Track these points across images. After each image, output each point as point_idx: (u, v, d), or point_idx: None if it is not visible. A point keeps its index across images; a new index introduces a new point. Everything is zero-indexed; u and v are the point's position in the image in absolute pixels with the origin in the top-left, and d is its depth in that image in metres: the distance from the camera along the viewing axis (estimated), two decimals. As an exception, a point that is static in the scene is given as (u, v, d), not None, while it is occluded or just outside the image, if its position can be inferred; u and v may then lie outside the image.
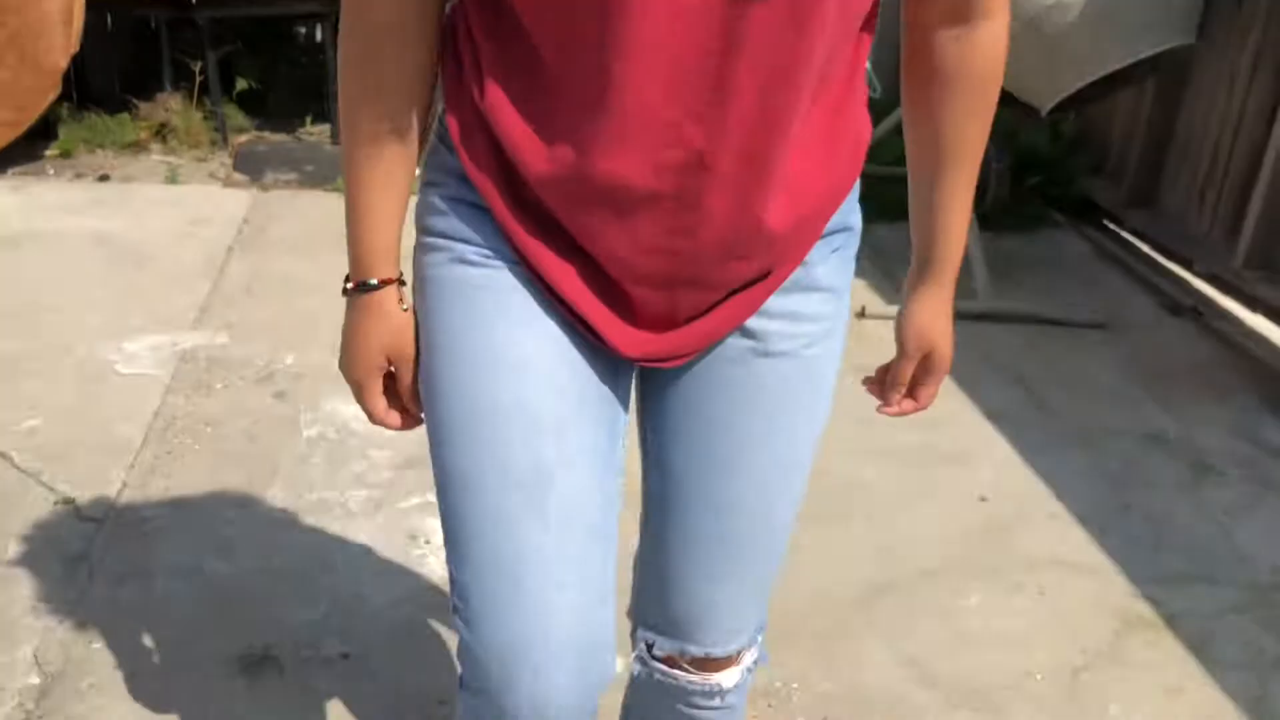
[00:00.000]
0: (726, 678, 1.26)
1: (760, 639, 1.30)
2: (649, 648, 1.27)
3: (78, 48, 4.51)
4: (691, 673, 1.25)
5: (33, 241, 3.87)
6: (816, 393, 1.16)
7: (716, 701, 1.29)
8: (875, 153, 5.29)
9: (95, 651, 2.04)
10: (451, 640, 2.15)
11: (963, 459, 2.82)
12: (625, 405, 1.16)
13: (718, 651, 1.24)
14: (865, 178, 1.12)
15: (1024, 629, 2.23)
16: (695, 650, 1.24)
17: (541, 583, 1.03)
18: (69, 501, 2.46)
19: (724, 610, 1.22)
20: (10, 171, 4.63)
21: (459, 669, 1.11)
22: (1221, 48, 3.78)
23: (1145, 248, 4.23)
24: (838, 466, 2.74)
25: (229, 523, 2.43)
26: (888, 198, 4.59)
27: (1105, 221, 4.47)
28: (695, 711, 1.30)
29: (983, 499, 2.67)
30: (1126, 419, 3.07)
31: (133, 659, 2.03)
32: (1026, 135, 4.66)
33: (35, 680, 1.95)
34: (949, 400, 3.11)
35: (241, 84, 5.11)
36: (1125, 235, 4.36)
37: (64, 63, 4.48)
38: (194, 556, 2.32)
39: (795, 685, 2.05)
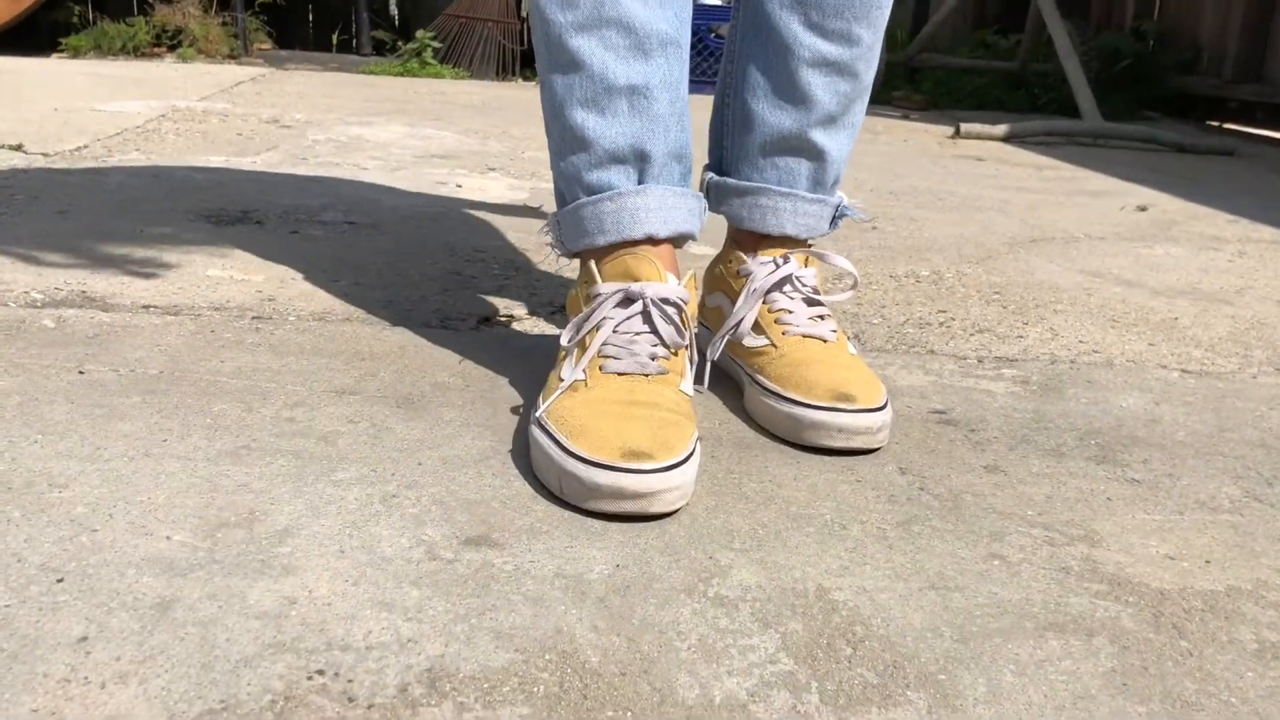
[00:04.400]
0: None
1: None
2: None
3: (93, -73, 4.26)
4: None
5: (28, 73, 3.50)
6: None
7: None
8: (938, 49, 4.98)
9: (15, 200, 1.54)
10: (492, 221, 1.66)
11: (1107, 194, 2.33)
12: None
13: None
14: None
15: (1231, 267, 1.71)
16: None
17: None
18: (16, 147, 1.99)
19: None
20: (12, 57, 4.31)
21: None
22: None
23: (1254, 130, 3.81)
24: (956, 189, 2.26)
25: (212, 163, 1.95)
26: (962, 90, 4.26)
27: (1208, 120, 4.06)
28: None
29: (1142, 208, 2.17)
30: (1286, 191, 2.58)
31: (59, 202, 1.53)
32: (1107, 40, 4.31)
33: (-67, 209, 1.46)
34: (1072, 171, 2.63)
35: (266, -5, 4.83)
36: (1230, 126, 3.94)
37: (76, -63, 4.22)
38: (163, 170, 1.84)
39: (949, 275, 1.53)
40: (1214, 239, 1.91)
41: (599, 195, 0.87)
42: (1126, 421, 1.00)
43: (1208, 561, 0.73)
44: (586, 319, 0.85)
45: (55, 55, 4.51)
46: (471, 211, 1.72)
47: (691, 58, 4.28)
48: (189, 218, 1.51)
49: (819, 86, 0.95)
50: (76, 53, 4.51)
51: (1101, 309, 1.40)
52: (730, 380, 1.00)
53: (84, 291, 1.15)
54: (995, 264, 1.61)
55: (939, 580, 0.67)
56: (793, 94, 0.96)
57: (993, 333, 1.26)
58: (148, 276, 1.21)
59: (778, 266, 0.97)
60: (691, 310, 0.88)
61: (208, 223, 1.50)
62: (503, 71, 4.46)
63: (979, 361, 1.15)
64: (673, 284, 0.86)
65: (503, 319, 1.18)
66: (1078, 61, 3.30)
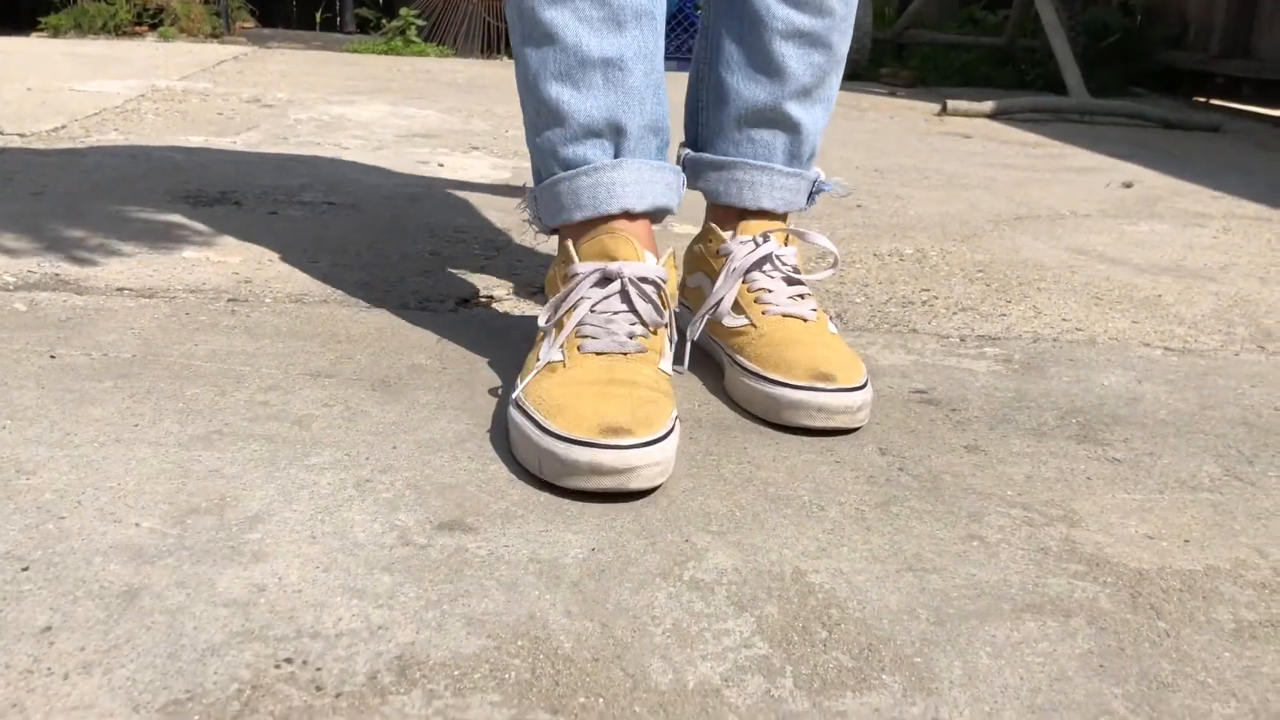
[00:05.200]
0: None
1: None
2: None
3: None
4: None
5: (9, 51, 3.45)
6: None
7: None
8: (926, 25, 4.94)
9: (-6, 182, 1.53)
10: (472, 200, 1.65)
11: (1092, 170, 2.32)
12: None
13: None
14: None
15: (1216, 243, 1.70)
16: None
17: None
18: (-7, 127, 1.97)
19: None
20: (-9, 38, 4.26)
21: None
22: None
23: (1240, 106, 3.81)
24: (942, 167, 2.25)
25: (191, 143, 1.93)
26: (950, 66, 4.24)
27: (1195, 96, 4.05)
28: None
29: (1127, 185, 2.16)
30: (1271, 163, 2.57)
31: (33, 183, 1.51)
32: (1095, 15, 4.29)
33: (-94, 191, 1.44)
34: (1059, 147, 2.63)
35: (249, -27, 4.79)
36: (1217, 102, 3.93)
37: (56, -87, 4.16)
38: (141, 150, 1.82)
39: (933, 253, 1.52)
40: (1199, 215, 1.90)
41: (574, 170, 0.86)
42: (1108, 400, 0.99)
43: (1186, 541, 0.72)
44: (564, 299, 0.84)
45: (35, 34, 4.46)
46: (453, 191, 1.70)
47: (674, 32, 4.25)
48: (166, 199, 1.49)
49: (792, 58, 0.94)
50: (56, 31, 4.47)
51: (1085, 286, 1.40)
52: (710, 360, 1.00)
53: (57, 274, 1.13)
54: (980, 241, 1.60)
55: (916, 562, 0.67)
56: (766, 66, 0.95)
57: (976, 311, 1.25)
58: (123, 258, 1.20)
59: (757, 245, 0.96)
60: (671, 289, 0.87)
61: (185, 203, 1.48)
62: (488, 49, 4.42)
63: (961, 340, 1.14)
64: (651, 263, 0.85)
65: (482, 300, 1.17)
66: (1065, 38, 3.28)
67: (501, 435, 0.81)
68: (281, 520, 0.66)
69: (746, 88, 0.96)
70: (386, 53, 4.06)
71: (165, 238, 1.30)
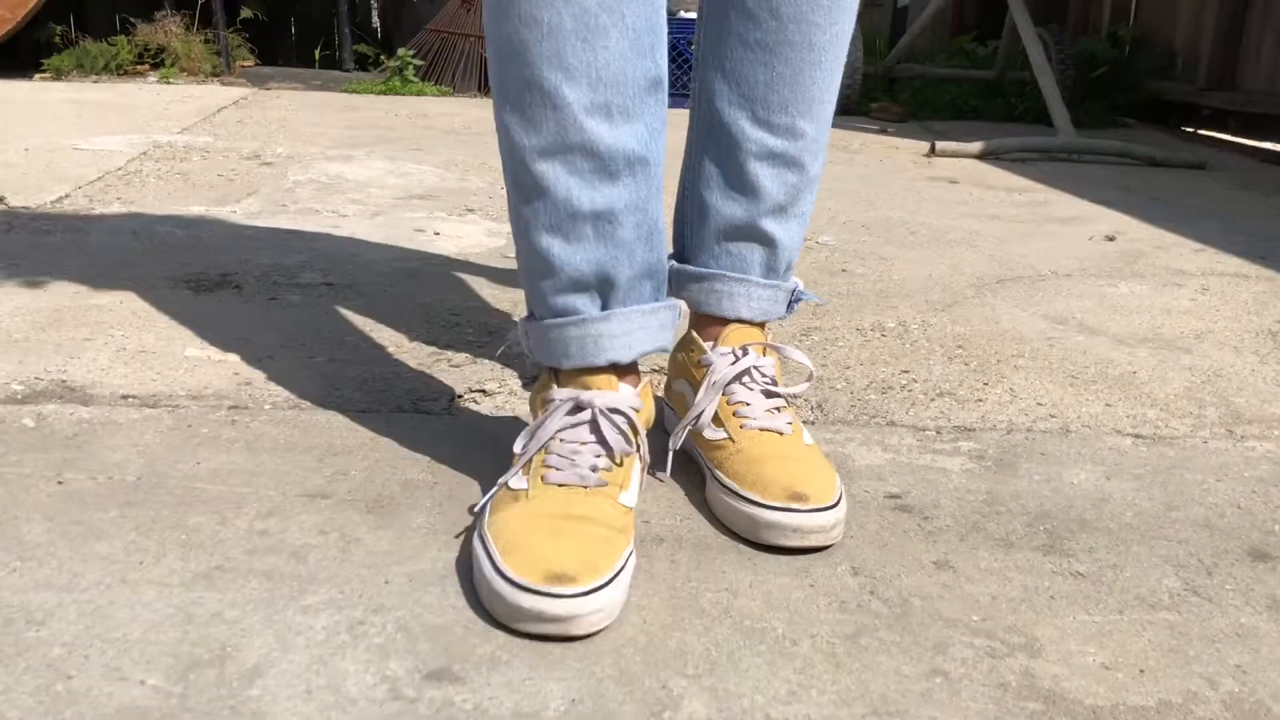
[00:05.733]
0: None
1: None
2: None
3: (73, -54, 4.26)
4: None
5: (9, 102, 3.51)
6: None
7: None
8: (916, 58, 4.99)
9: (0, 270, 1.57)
10: (467, 279, 1.68)
11: (1077, 220, 2.36)
12: None
13: None
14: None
15: (1193, 307, 1.74)
16: None
17: None
18: (-2, 200, 2.01)
19: None
20: (-5, 83, 4.32)
21: None
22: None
23: (1228, 136, 3.85)
24: (927, 220, 2.29)
25: (193, 212, 1.98)
26: (940, 100, 4.29)
27: (1183, 127, 4.10)
28: None
29: (1110, 238, 2.20)
30: (1256, 208, 2.61)
31: (43, 272, 1.55)
32: (1083, 45, 4.34)
33: (-85, 282, 1.48)
34: (1043, 193, 2.67)
35: (246, 13, 4.84)
36: (1204, 133, 3.98)
37: (57, -42, 4.23)
38: (143, 224, 1.86)
39: (914, 325, 1.56)
40: (1178, 273, 1.94)
41: (564, 319, 0.90)
42: (1076, 502, 1.03)
43: (1141, 671, 0.76)
44: (539, 426, 0.89)
45: (37, 76, 4.51)
46: (449, 264, 1.74)
47: (672, 70, 4.30)
48: (169, 284, 1.53)
49: (767, 178, 0.99)
50: (59, 73, 4.52)
51: (1062, 362, 1.43)
52: (694, 465, 1.04)
53: (64, 380, 1.17)
54: (961, 311, 1.64)
55: (882, 704, 0.71)
56: (743, 185, 0.99)
57: (953, 396, 1.29)
58: (127, 360, 1.24)
59: (737, 359, 1.00)
60: (645, 416, 0.91)
61: (187, 289, 1.52)
62: (484, 86, 4.47)
63: (938, 432, 1.18)
64: (625, 392, 0.90)
65: (474, 395, 1.21)
66: (1052, 77, 3.33)
67: (489, 563, 0.84)
68: (279, 672, 0.70)
69: (724, 205, 1.00)
70: (385, 92, 4.11)
71: (168, 334, 1.34)
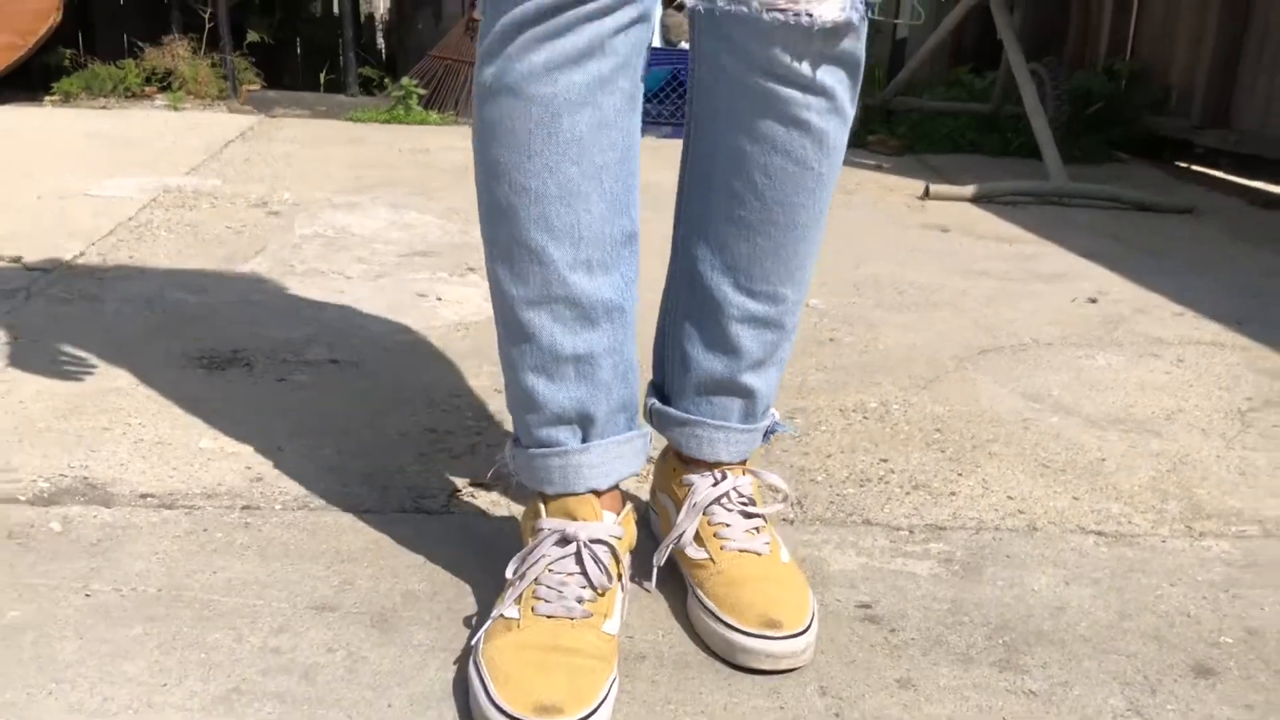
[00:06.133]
0: (822, 6, 0.88)
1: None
2: None
3: (83, -27, 4.34)
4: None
5: (19, 135, 3.58)
6: None
7: (806, 69, 0.92)
8: (914, 88, 5.03)
9: (19, 345, 1.64)
10: (467, 354, 1.75)
11: (1060, 278, 2.43)
12: None
13: None
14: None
15: (1167, 382, 1.81)
16: None
17: None
18: (15, 260, 2.08)
19: None
20: (4, 107, 4.39)
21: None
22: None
23: (1220, 174, 3.91)
24: (915, 277, 2.36)
25: (203, 275, 2.05)
26: (937, 133, 4.35)
27: (1177, 161, 4.16)
28: (775, 88, 0.94)
29: (1092, 300, 2.27)
30: (1240, 260, 2.68)
31: (64, 350, 1.63)
32: (1080, 79, 4.40)
33: (-59, 361, 1.56)
34: (1032, 245, 2.74)
35: (253, 36, 4.91)
36: (1198, 168, 4.04)
37: (67, -15, 4.30)
38: (155, 291, 1.93)
39: (896, 405, 1.63)
40: (1156, 341, 2.01)
41: (547, 450, 0.97)
42: (1036, 611, 1.10)
43: (1078, 802, 0.83)
44: (528, 554, 0.96)
45: (47, 99, 4.58)
46: (450, 334, 1.81)
47: (670, 99, 4.37)
48: (182, 362, 1.61)
49: (747, 338, 1.05)
50: (68, 96, 4.59)
51: (1035, 449, 1.50)
52: (677, 574, 1.11)
53: (86, 477, 1.25)
54: (942, 388, 1.71)
55: (838, 839, 0.78)
56: (724, 344, 1.06)
57: (928, 489, 1.36)
58: (144, 454, 1.31)
59: (717, 481, 1.07)
60: (626, 543, 0.99)
61: (200, 367, 1.59)
62: (488, 110, 4.54)
63: (910, 532, 1.25)
64: (608, 521, 0.97)
65: (472, 491, 1.28)
66: (1045, 119, 3.39)
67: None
68: (292, 807, 0.77)
69: (706, 360, 1.07)
70: (389, 121, 4.18)
71: (183, 421, 1.41)
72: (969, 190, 3.21)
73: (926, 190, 3.22)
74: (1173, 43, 4.25)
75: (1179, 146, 4.17)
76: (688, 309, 1.07)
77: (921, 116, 4.31)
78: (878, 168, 3.76)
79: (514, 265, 0.93)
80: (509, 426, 1.46)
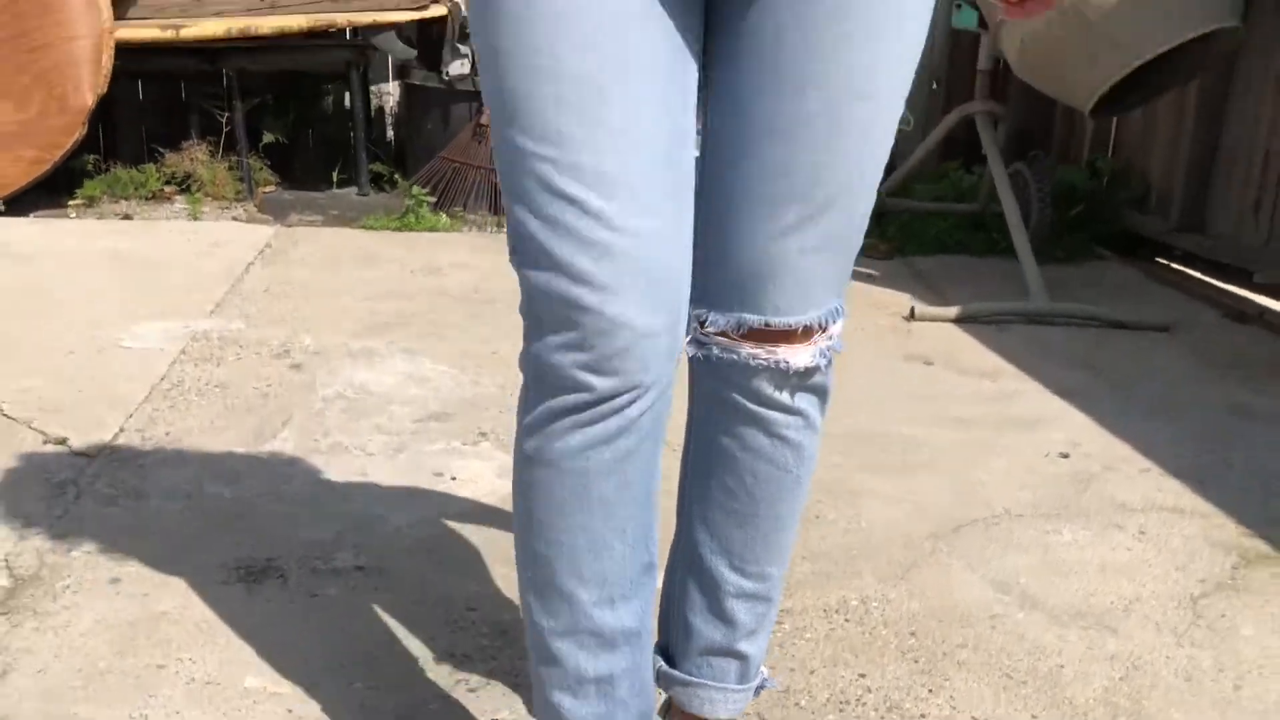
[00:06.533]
0: (796, 355, 1.09)
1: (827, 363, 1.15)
2: (701, 324, 1.12)
3: (106, 89, 4.51)
4: (751, 345, 1.09)
5: (48, 257, 3.75)
6: (901, 15, 1.01)
7: (785, 397, 1.12)
8: (908, 190, 5.20)
9: (75, 559, 1.80)
10: (481, 550, 1.90)
11: (1035, 425, 2.58)
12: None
13: (780, 321, 1.08)
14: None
15: (1128, 561, 1.96)
16: (753, 319, 1.08)
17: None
18: (61, 441, 2.24)
19: (792, 265, 1.06)
20: (32, 215, 4.57)
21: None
22: (1263, 50, 3.72)
23: (1198, 274, 4.07)
24: (896, 429, 2.51)
25: (235, 458, 2.21)
26: (926, 234, 4.52)
27: (1156, 258, 4.31)
28: (760, 410, 1.13)
29: (1064, 455, 2.42)
30: (1208, 395, 2.83)
31: (115, 566, 1.78)
32: (1063, 174, 4.56)
33: (3, 582, 1.71)
34: (1012, 380, 2.89)
35: (268, 137, 5.09)
36: (1176, 266, 4.20)
37: (91, 101, 4.46)
38: (193, 483, 2.09)
39: (875, 603, 1.78)
40: (1121, 508, 2.16)
41: None
42: None
43: None
44: None
45: (70, 203, 4.77)
46: (466, 520, 1.97)
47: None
48: (222, 576, 1.76)
49: (742, 611, 1.22)
50: (91, 202, 4.78)
51: (1000, 654, 1.65)
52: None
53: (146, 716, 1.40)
54: (918, 578, 1.86)
55: None
56: (721, 616, 1.23)
57: (900, 710, 1.51)
58: (195, 697, 1.47)
59: None
60: None
61: (239, 581, 1.75)
62: (495, 208, 4.72)
63: (881, 766, 1.40)
64: None
65: (490, 728, 1.44)
66: (1025, 237, 3.55)
67: None
68: None
69: (706, 629, 1.24)
70: (400, 229, 4.36)
71: (229, 655, 1.57)
72: (953, 311, 3.36)
73: (912, 312, 3.37)
74: (1151, 143, 4.41)
75: (1158, 245, 4.32)
76: (691, 583, 1.24)
77: (911, 217, 4.47)
78: (868, 278, 3.92)
79: (545, 602, 1.09)
80: (521, 643, 1.62)
